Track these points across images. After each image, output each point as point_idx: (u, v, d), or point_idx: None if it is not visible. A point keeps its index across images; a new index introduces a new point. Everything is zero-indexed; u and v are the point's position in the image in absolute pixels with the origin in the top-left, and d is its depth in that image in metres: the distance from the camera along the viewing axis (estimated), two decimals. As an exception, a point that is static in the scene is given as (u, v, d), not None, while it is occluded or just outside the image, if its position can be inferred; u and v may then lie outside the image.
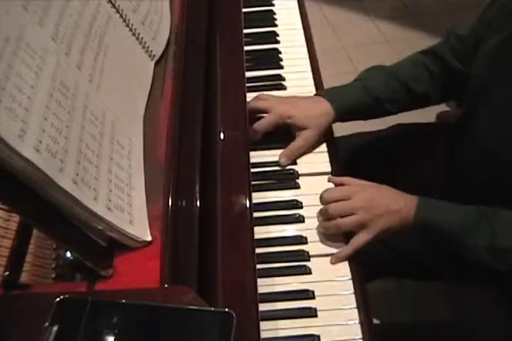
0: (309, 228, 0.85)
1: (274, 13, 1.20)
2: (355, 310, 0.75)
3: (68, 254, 0.65)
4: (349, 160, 1.06)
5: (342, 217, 0.82)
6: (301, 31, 1.15)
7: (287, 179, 0.91)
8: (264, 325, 0.68)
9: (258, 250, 0.76)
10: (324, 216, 0.85)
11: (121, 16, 0.80)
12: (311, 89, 1.04)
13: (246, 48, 1.02)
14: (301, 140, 0.93)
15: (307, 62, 1.09)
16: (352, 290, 0.77)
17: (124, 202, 0.64)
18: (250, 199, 0.78)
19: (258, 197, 0.85)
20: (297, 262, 0.81)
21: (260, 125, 0.94)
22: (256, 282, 0.70)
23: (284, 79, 1.06)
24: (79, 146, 0.59)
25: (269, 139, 0.95)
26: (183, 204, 0.70)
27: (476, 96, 0.92)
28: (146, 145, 0.75)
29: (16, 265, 0.63)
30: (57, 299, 0.55)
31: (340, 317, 0.75)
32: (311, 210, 0.87)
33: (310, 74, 1.06)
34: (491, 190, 0.89)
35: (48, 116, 0.55)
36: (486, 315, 0.94)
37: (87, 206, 0.56)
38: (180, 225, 0.67)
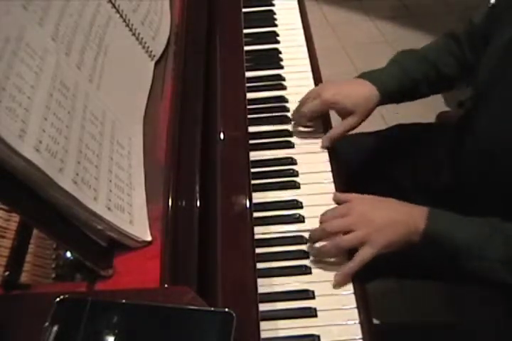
0: (309, 228, 0.85)
1: (274, 13, 1.20)
2: (355, 310, 0.75)
3: (68, 254, 0.65)
4: (349, 161, 1.06)
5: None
6: (301, 31, 1.15)
7: (287, 179, 0.91)
8: (264, 325, 0.68)
9: (258, 250, 0.76)
10: (323, 236, 0.80)
11: (121, 16, 0.80)
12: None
13: (246, 48, 1.02)
14: (346, 126, 0.94)
15: (307, 62, 1.09)
16: (352, 290, 0.77)
17: (124, 202, 0.64)
18: (250, 199, 0.78)
19: (258, 197, 0.85)
20: (297, 262, 0.81)
21: (306, 110, 0.94)
22: (256, 282, 0.70)
23: (284, 79, 1.06)
24: (79, 146, 0.59)
25: (269, 139, 0.96)
26: (183, 204, 0.70)
27: (480, 95, 0.92)
28: (146, 145, 0.75)
29: (16, 265, 0.63)
30: (57, 299, 0.55)
31: (340, 317, 0.75)
32: (311, 210, 0.87)
33: (310, 74, 1.06)
34: (491, 190, 0.89)
35: (48, 116, 0.55)
36: (486, 315, 0.94)
37: (87, 206, 0.56)
38: (180, 225, 0.67)
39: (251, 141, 0.88)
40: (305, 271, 0.80)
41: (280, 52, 1.12)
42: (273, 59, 1.10)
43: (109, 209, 0.60)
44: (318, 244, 0.81)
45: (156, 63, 0.86)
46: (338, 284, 0.77)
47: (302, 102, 0.97)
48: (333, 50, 2.30)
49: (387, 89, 0.96)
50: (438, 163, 1.06)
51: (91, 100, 0.66)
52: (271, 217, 0.86)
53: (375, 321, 0.87)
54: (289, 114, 1.00)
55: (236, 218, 0.76)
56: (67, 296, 0.55)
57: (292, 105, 1.01)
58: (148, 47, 0.85)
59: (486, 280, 0.80)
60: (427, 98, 1.06)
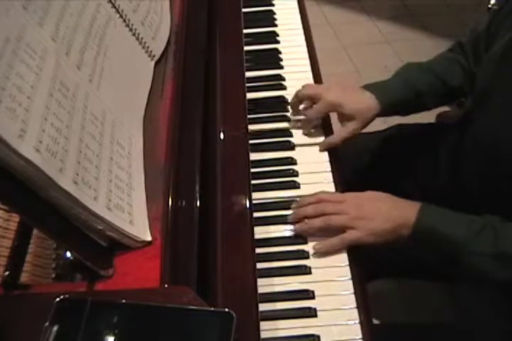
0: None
1: (274, 13, 1.20)
2: (355, 310, 0.75)
3: (68, 254, 0.65)
4: (349, 161, 1.06)
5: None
6: (301, 31, 1.15)
7: (287, 179, 0.91)
8: (264, 325, 0.68)
9: (258, 250, 0.76)
10: (314, 214, 0.83)
11: (121, 16, 0.80)
12: (311, 89, 1.03)
13: (246, 48, 1.02)
14: (346, 133, 0.94)
15: (307, 62, 1.09)
16: (352, 290, 0.77)
17: (124, 202, 0.64)
18: (250, 199, 0.78)
19: (258, 197, 0.85)
20: (297, 262, 0.81)
21: (311, 113, 0.95)
22: (256, 282, 0.70)
23: (284, 79, 1.06)
24: (79, 146, 0.59)
25: (269, 139, 0.96)
26: (183, 204, 0.70)
27: (479, 96, 0.92)
28: (146, 145, 0.75)
29: (16, 265, 0.63)
30: (57, 299, 0.55)
31: (340, 317, 0.75)
32: (311, 210, 0.87)
33: (310, 74, 1.06)
34: (491, 190, 0.89)
35: (47, 116, 0.55)
36: (486, 315, 0.94)
37: (87, 206, 0.56)
38: (180, 225, 0.67)
39: (251, 141, 0.88)
40: (305, 271, 0.80)
41: (280, 52, 1.12)
42: (273, 59, 1.10)
43: (109, 209, 0.60)
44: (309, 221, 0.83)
45: (156, 63, 0.86)
46: (326, 250, 0.81)
47: (300, 92, 0.97)
48: (333, 50, 2.30)
49: (389, 100, 0.96)
50: (438, 163, 1.06)
51: (91, 100, 0.66)
52: (271, 217, 0.86)
53: (375, 321, 0.87)
54: (289, 114, 1.00)
55: (236, 218, 0.76)
56: (67, 296, 0.55)
57: (292, 105, 1.01)
58: (148, 47, 0.85)
59: (478, 278, 0.81)
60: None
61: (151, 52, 0.85)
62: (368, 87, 0.98)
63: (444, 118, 1.75)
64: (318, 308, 0.76)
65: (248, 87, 0.96)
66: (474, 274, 0.81)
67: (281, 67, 1.09)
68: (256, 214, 0.80)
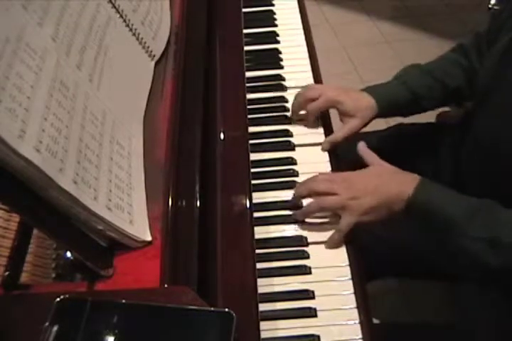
0: (309, 228, 0.85)
1: (274, 13, 1.20)
2: (355, 310, 0.75)
3: (68, 254, 0.65)
4: (349, 160, 1.05)
5: None
6: (301, 31, 1.15)
7: (287, 179, 0.91)
8: (264, 325, 0.68)
9: (258, 250, 0.76)
10: (307, 193, 0.84)
11: (121, 16, 0.80)
12: (311, 89, 1.03)
13: (246, 48, 1.02)
14: (347, 129, 0.95)
15: (307, 62, 1.09)
16: (352, 290, 0.77)
17: (124, 201, 0.64)
18: (250, 199, 0.78)
19: (258, 197, 0.85)
20: (297, 262, 0.81)
21: (312, 107, 0.95)
22: (256, 282, 0.70)
23: (284, 79, 1.06)
24: (79, 146, 0.59)
25: (269, 139, 0.96)
26: (183, 204, 0.70)
27: (480, 95, 0.92)
28: (146, 145, 0.75)
29: (16, 265, 0.63)
30: (57, 299, 0.55)
31: (340, 317, 0.75)
32: (311, 210, 0.87)
33: (310, 74, 1.06)
34: (492, 189, 0.89)
35: (48, 116, 0.55)
36: (486, 315, 0.94)
37: (87, 206, 0.56)
38: (180, 225, 0.67)
39: (251, 141, 0.88)
40: (305, 271, 0.80)
41: (280, 52, 1.12)
42: (273, 59, 1.10)
43: (109, 209, 0.60)
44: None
45: (156, 63, 0.86)
46: (330, 248, 0.82)
47: (301, 94, 0.97)
48: (333, 50, 2.30)
49: (386, 103, 0.97)
50: (438, 162, 1.06)
51: (91, 100, 0.66)
52: (271, 217, 0.86)
53: (375, 321, 0.87)
54: (289, 114, 1.00)
55: (236, 218, 0.76)
56: (67, 296, 0.55)
57: (292, 105, 1.01)
58: (148, 47, 0.85)
59: (469, 263, 0.79)
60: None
61: (151, 52, 0.85)
62: (367, 90, 0.99)
63: (445, 118, 1.74)
64: (318, 308, 0.76)
65: (248, 87, 0.96)
66: (465, 259, 0.79)
67: (282, 67, 1.09)
68: (256, 214, 0.80)
